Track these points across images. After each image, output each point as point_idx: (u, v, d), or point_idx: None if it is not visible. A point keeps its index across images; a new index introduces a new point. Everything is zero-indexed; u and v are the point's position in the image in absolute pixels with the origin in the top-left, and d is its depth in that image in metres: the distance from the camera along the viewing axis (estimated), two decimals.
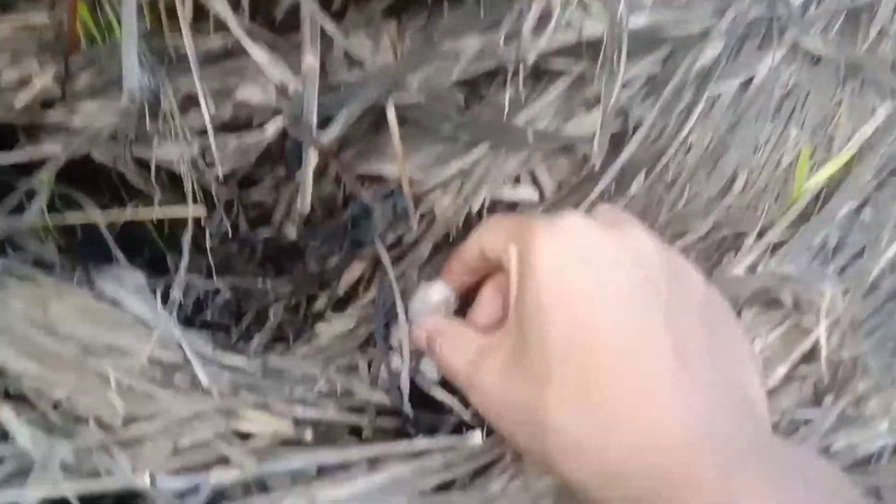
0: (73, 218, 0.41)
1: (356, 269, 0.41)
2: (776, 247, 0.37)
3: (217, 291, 0.44)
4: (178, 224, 0.46)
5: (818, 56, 0.38)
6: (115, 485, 0.30)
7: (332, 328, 0.42)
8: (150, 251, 0.46)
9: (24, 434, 0.29)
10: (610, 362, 0.26)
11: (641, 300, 0.27)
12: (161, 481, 0.29)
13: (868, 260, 0.35)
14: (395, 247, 0.39)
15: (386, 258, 0.39)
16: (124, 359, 0.36)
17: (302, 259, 0.44)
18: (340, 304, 0.43)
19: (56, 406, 0.34)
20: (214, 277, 0.40)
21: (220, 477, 0.30)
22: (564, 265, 0.28)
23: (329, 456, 0.36)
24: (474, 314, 0.35)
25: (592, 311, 0.27)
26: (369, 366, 0.43)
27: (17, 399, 0.33)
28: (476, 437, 0.33)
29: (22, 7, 0.39)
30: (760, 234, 0.38)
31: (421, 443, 0.33)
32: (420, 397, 0.39)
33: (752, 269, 0.37)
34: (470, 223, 0.38)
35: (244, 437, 0.36)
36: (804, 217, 0.38)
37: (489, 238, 0.33)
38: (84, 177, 0.42)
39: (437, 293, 0.37)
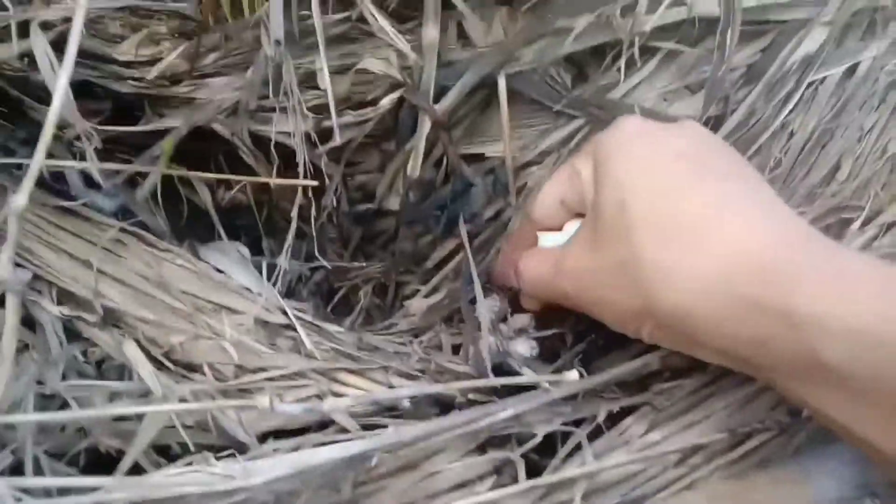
0: (188, 193, 0.43)
1: (449, 245, 0.42)
2: (883, 234, 0.37)
3: (314, 270, 0.45)
4: (277, 209, 0.48)
5: None
6: (233, 405, 0.30)
7: (421, 303, 0.42)
8: (247, 236, 0.48)
9: (146, 370, 0.30)
10: (683, 196, 0.28)
11: (704, 154, 0.29)
12: (278, 406, 0.29)
13: None
14: (492, 220, 0.40)
15: (465, 239, 0.40)
16: (232, 317, 0.37)
17: (395, 241, 0.45)
18: (430, 278, 0.43)
19: (168, 354, 0.34)
20: (316, 251, 0.41)
21: (333, 405, 0.30)
22: (630, 146, 0.30)
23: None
24: None
25: (660, 168, 0.29)
26: (454, 348, 0.43)
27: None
28: (573, 374, 0.32)
29: None
30: (865, 223, 0.37)
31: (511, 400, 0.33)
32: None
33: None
34: None
35: None
36: None
37: (562, 187, 0.34)
38: (193, 163, 0.44)
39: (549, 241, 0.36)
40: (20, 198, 0.25)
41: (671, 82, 0.38)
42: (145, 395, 0.33)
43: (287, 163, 0.42)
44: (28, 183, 0.25)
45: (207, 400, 0.32)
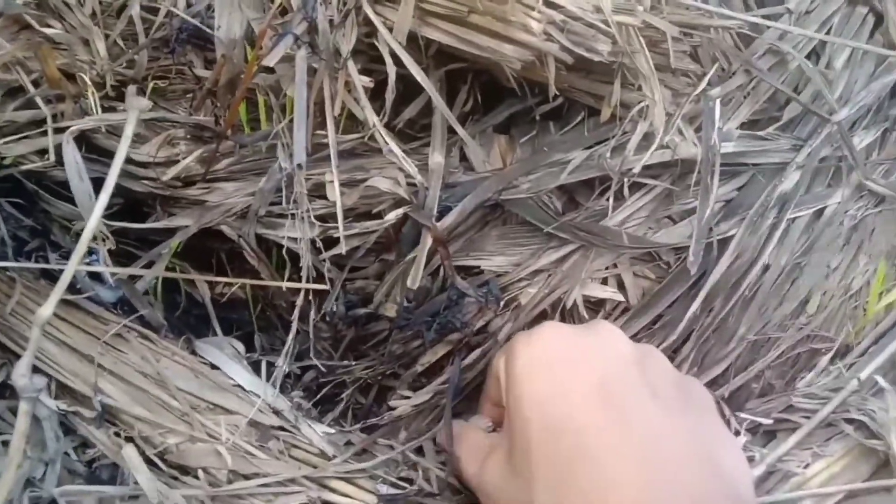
0: (187, 286, 0.44)
1: (439, 350, 0.43)
2: (849, 367, 0.39)
3: (305, 369, 0.46)
4: (272, 306, 0.50)
5: (882, 196, 0.42)
6: None
7: (407, 403, 0.43)
8: (239, 330, 0.49)
9: (144, 476, 0.30)
10: (576, 455, 0.29)
11: (605, 395, 0.31)
12: None
13: None
14: (480, 331, 0.42)
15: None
16: (227, 418, 0.37)
17: (386, 343, 0.46)
18: (420, 382, 0.44)
19: (162, 455, 0.35)
20: (311, 353, 0.42)
21: None
22: (535, 371, 0.32)
23: None
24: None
25: (560, 414, 0.31)
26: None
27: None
28: None
29: (175, 98, 0.45)
30: (834, 356, 0.40)
31: None
32: None
33: (829, 388, 0.38)
34: (562, 314, 0.41)
35: None
36: (875, 340, 0.40)
37: (493, 362, 0.38)
38: (195, 256, 0.46)
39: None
40: (46, 309, 0.26)
41: (655, 212, 0.41)
42: (136, 497, 0.33)
43: (285, 262, 0.43)
44: (54, 298, 0.27)
45: None
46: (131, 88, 0.36)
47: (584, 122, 0.40)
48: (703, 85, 0.38)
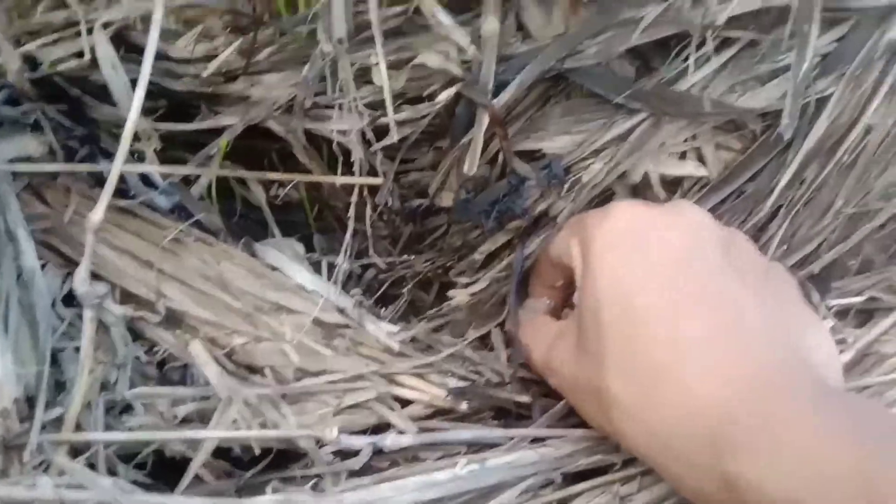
0: (242, 191, 0.43)
1: (499, 239, 0.41)
2: None
3: (365, 268, 0.44)
4: (328, 206, 0.48)
5: None
6: (295, 434, 0.30)
7: (465, 293, 0.42)
8: (297, 233, 0.47)
9: (213, 371, 0.30)
10: (651, 332, 0.28)
11: (686, 272, 0.29)
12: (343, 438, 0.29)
13: None
14: (542, 217, 0.39)
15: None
16: (291, 317, 0.37)
17: (445, 237, 0.44)
18: (476, 270, 0.42)
19: (229, 355, 0.35)
20: (370, 249, 0.41)
21: (391, 441, 0.31)
22: (613, 245, 0.31)
23: (479, 433, 0.36)
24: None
25: (636, 289, 0.29)
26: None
27: None
28: None
29: None
30: None
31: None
32: None
33: None
34: (635, 195, 0.38)
35: (402, 402, 0.36)
36: None
37: (555, 244, 0.36)
38: (247, 160, 0.44)
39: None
40: (97, 213, 0.25)
41: (741, 73, 0.36)
42: (207, 398, 0.33)
43: (337, 160, 0.41)
44: (104, 200, 0.25)
45: (269, 406, 0.32)
46: None
47: None
48: None
